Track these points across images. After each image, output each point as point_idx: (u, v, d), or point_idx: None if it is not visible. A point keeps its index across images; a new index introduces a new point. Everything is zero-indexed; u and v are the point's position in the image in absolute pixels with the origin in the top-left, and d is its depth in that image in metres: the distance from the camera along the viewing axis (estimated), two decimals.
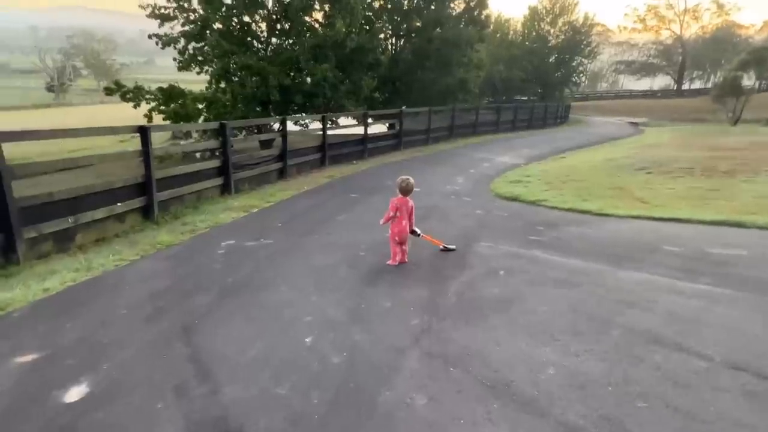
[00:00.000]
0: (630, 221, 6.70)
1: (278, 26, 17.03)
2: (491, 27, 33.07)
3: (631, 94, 65.57)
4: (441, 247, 5.25)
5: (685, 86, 68.23)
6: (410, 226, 4.88)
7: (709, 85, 64.79)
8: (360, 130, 15.36)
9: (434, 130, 18.80)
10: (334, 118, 16.95)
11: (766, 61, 32.05)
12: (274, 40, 17.39)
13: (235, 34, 16.21)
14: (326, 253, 5.30)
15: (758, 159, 11.23)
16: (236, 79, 15.80)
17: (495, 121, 23.59)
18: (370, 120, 15.51)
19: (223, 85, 16.25)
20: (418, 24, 22.32)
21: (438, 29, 22.01)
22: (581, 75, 43.43)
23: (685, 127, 30.11)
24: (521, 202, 8.63)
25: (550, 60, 38.08)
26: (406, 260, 4.87)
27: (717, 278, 4.15)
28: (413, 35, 22.66)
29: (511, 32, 38.38)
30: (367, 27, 20.09)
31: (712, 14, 64.11)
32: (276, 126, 12.39)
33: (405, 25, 22.74)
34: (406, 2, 22.06)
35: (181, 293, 4.14)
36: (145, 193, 7.19)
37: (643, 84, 79.90)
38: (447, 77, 21.82)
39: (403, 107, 18.72)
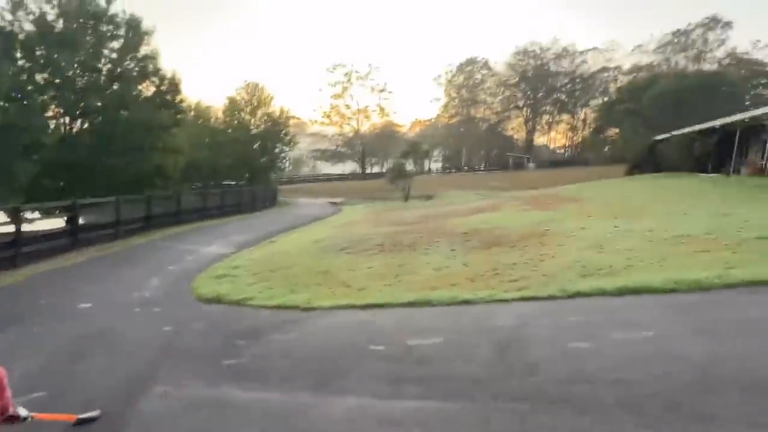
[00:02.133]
0: (337, 314, 6.22)
1: None
2: (191, 112, 31.85)
3: (328, 177, 73.89)
4: (74, 421, 3.35)
5: (368, 170, 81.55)
6: (5, 408, 2.87)
7: (384, 169, 79.22)
8: (10, 228, 11.38)
9: (126, 222, 15.80)
10: None
11: (418, 153, 41.00)
12: None
13: None
14: None
15: (429, 231, 13.03)
16: None
17: (202, 208, 21.90)
18: (35, 214, 11.69)
19: None
20: (98, 104, 19.14)
21: (124, 111, 19.37)
22: (284, 161, 46.18)
23: (373, 205, 34.80)
24: (225, 304, 7.44)
25: (255, 147, 39.16)
26: None
27: (423, 385, 3.71)
28: (94, 115, 19.28)
29: (213, 119, 38.04)
30: (24, 101, 15.97)
31: (378, 114, 79.93)
32: None
33: (82, 104, 19.18)
34: (80, 78, 18.72)
35: None
36: None
37: (337, 168, 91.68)
38: (141, 162, 19.20)
39: (79, 199, 15.12)
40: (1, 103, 13.71)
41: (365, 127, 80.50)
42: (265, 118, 40.27)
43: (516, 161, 70.18)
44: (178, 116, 21.84)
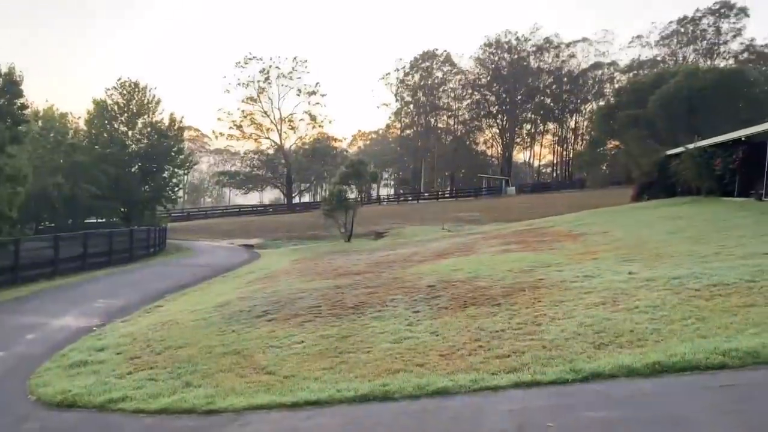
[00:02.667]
0: (252, 419, 5.94)
1: None
2: (38, 122, 30.54)
3: (241, 210, 72.81)
4: None
5: (296, 200, 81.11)
6: None
7: (318, 198, 79.09)
8: None
9: None
10: None
11: (363, 175, 41.16)
12: None
13: None
14: None
15: (382, 284, 12.84)
16: None
17: (52, 260, 21.35)
18: None
19: None
20: None
21: None
22: (177, 189, 45.08)
23: (304, 247, 34.43)
24: (82, 409, 6.99)
25: (133, 170, 38.11)
26: None
27: None
28: None
29: (72, 132, 36.80)
30: None
31: (307, 125, 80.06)
32: None
33: None
34: None
35: None
36: None
37: (253, 198, 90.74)
38: None
39: None
40: None
41: (291, 142, 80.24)
42: (149, 129, 39.37)
43: (491, 184, 72.33)
44: (18, 128, 20.91)
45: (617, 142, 51.46)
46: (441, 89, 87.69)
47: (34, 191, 26.77)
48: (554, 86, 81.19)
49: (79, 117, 39.66)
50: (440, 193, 78.41)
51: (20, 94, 20.64)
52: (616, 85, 69.31)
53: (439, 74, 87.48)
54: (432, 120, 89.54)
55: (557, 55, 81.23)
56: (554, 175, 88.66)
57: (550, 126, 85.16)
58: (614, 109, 44.77)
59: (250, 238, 43.30)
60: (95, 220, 36.79)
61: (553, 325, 7.41)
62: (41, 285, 19.01)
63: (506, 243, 18.21)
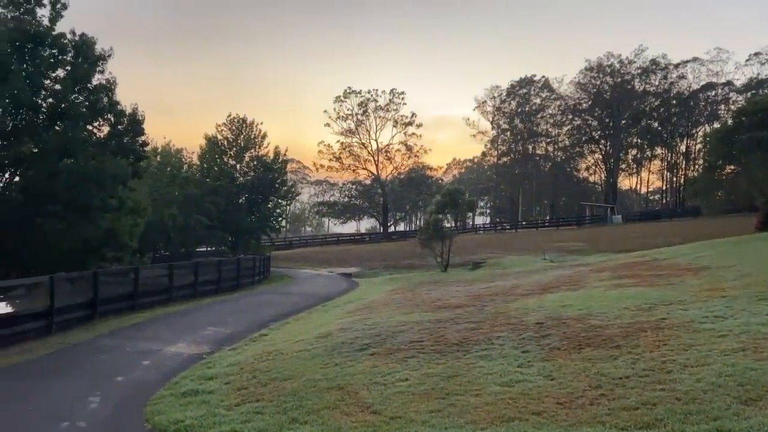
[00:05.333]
0: None
1: None
2: (157, 158, 32.67)
3: (339, 239, 74.10)
4: None
5: (391, 228, 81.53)
6: None
7: (413, 226, 79.08)
8: None
9: (61, 311, 15.64)
10: None
11: (459, 204, 40.62)
12: None
13: None
14: None
15: (485, 320, 12.35)
16: None
17: (167, 287, 21.98)
18: None
19: None
20: (34, 150, 19.76)
21: (69, 159, 19.90)
22: (281, 218, 46.51)
23: (400, 276, 34.22)
24: None
25: (241, 201, 39.68)
26: None
27: None
28: (26, 165, 19.81)
29: (186, 166, 39.00)
30: None
31: (403, 155, 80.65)
32: None
33: (12, 150, 19.76)
34: (10, 118, 19.41)
35: None
36: None
37: (350, 227, 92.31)
38: (86, 227, 19.49)
39: None
40: None
41: (387, 172, 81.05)
42: (255, 162, 41.00)
43: (595, 213, 69.29)
44: (140, 164, 22.20)
45: (732, 167, 47.61)
46: (539, 115, 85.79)
47: (152, 222, 28.41)
48: (662, 109, 77.08)
49: (193, 152, 42.35)
50: (539, 221, 76.08)
51: (142, 132, 22.00)
52: (732, 106, 64.76)
53: (537, 100, 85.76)
54: (530, 147, 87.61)
55: (665, 77, 77.12)
56: (663, 202, 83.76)
57: (658, 151, 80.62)
58: (733, 132, 41.52)
59: (347, 266, 43.71)
60: (205, 249, 38.57)
61: (685, 373, 6.68)
62: (156, 312, 19.59)
63: (617, 276, 17.10)
